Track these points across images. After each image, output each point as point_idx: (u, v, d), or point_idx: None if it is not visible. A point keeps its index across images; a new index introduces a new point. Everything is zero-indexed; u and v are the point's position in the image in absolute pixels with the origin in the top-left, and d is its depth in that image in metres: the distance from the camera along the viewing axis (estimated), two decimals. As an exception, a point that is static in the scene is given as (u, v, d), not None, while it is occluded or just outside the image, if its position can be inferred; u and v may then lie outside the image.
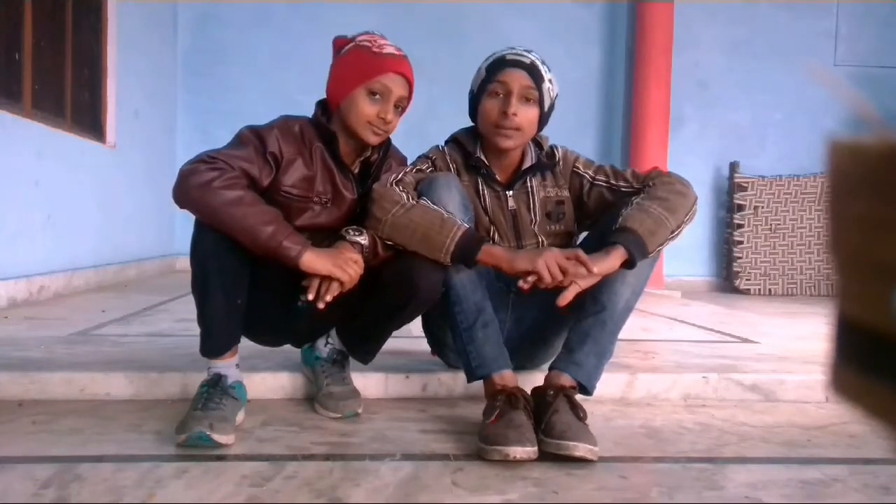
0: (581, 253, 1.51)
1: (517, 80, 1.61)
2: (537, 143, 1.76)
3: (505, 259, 1.53)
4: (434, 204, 1.56)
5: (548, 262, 1.49)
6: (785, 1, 6.12)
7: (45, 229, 3.61)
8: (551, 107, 1.69)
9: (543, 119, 1.68)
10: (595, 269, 1.48)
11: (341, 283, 1.49)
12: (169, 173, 1.52)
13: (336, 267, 1.48)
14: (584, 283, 1.51)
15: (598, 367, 1.62)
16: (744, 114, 6.20)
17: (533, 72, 1.62)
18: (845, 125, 5.91)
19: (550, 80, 1.66)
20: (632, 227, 1.54)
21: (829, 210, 0.37)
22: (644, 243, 1.53)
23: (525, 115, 1.62)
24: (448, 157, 1.76)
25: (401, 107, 1.62)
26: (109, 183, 4.48)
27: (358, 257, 1.52)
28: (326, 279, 1.48)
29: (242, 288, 1.54)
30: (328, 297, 1.49)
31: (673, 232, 1.59)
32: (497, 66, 1.64)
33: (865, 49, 6.14)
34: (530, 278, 1.50)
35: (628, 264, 1.53)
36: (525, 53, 1.64)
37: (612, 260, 1.51)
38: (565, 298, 1.50)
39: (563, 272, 1.48)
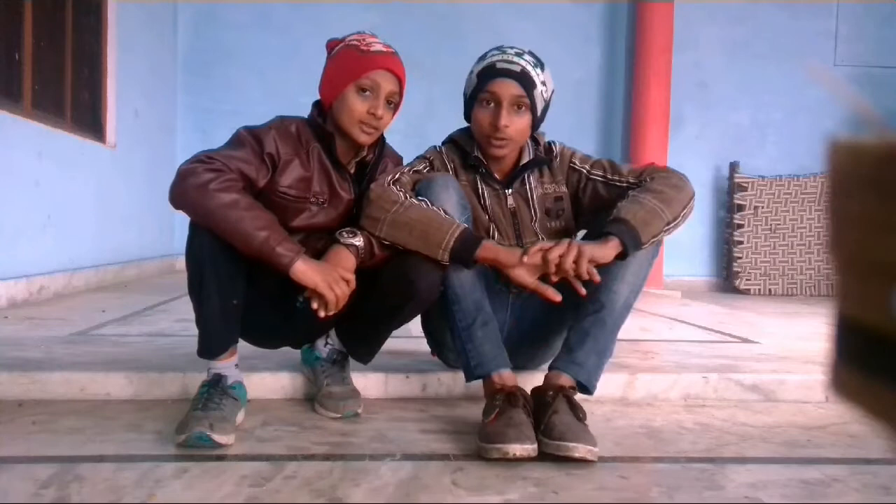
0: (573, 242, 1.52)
1: (507, 89, 1.59)
2: (534, 139, 1.76)
3: (503, 253, 1.54)
4: (432, 204, 1.57)
5: (532, 255, 1.52)
6: (785, 1, 6.12)
7: (45, 229, 3.61)
8: (545, 107, 1.69)
9: (536, 123, 1.68)
10: (588, 254, 1.48)
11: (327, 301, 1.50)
12: (169, 173, 1.51)
13: (324, 283, 1.48)
14: (581, 267, 1.48)
15: (599, 367, 1.62)
16: (744, 114, 6.21)
17: (524, 79, 1.59)
18: (845, 125, 5.91)
19: (544, 83, 1.64)
20: (625, 217, 1.54)
21: (828, 210, 0.37)
22: (638, 234, 1.53)
23: (516, 124, 1.62)
24: (445, 157, 1.76)
25: (393, 102, 1.62)
26: (109, 183, 4.48)
27: (350, 276, 1.52)
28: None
29: (239, 289, 1.54)
30: (322, 314, 1.51)
31: (668, 224, 1.58)
32: (488, 74, 1.62)
33: (865, 49, 6.14)
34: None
35: (622, 255, 1.53)
36: (516, 60, 1.61)
37: (606, 249, 1.51)
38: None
39: (557, 264, 1.50)
